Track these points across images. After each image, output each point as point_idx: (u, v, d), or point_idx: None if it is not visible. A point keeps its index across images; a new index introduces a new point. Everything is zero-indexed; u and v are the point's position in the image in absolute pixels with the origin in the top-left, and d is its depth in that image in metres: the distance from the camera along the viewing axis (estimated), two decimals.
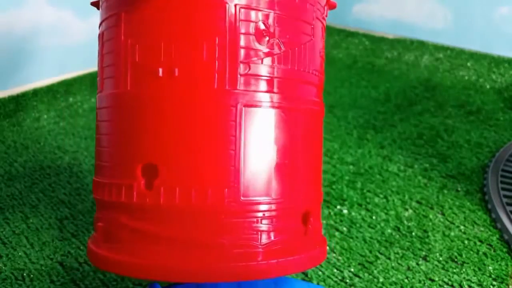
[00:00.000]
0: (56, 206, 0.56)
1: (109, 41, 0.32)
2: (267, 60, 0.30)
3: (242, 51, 0.29)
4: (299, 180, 0.32)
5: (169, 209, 0.29)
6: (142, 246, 0.29)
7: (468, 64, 1.01)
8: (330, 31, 1.27)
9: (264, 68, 0.30)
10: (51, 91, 0.89)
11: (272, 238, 0.30)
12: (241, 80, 0.29)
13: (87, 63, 0.99)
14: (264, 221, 0.30)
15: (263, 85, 0.30)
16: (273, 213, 0.30)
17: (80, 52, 0.97)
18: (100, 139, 0.33)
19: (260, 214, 0.29)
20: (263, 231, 0.29)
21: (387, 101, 0.85)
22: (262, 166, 0.30)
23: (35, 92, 0.88)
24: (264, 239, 0.29)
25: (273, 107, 0.30)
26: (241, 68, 0.29)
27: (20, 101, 0.85)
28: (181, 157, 0.29)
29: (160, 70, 0.29)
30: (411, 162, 0.64)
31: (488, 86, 0.90)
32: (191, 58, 0.29)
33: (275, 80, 0.30)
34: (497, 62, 1.00)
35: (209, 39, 0.28)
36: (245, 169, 0.29)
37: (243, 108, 0.29)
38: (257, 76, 0.29)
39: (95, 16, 1.01)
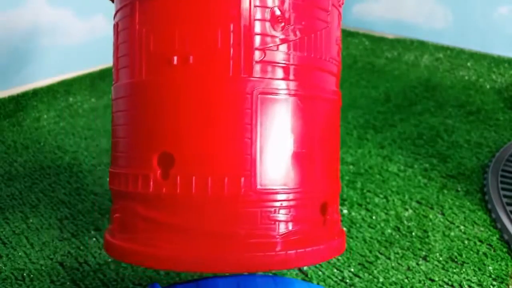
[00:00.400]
0: (56, 206, 0.56)
1: (123, 30, 0.32)
2: (283, 47, 0.29)
3: (258, 38, 0.28)
4: (317, 169, 0.31)
5: (185, 199, 0.28)
6: (158, 236, 0.29)
7: (468, 64, 1.01)
8: None
9: (279, 54, 0.29)
10: (51, 91, 0.89)
11: (290, 228, 0.29)
12: (256, 67, 0.28)
13: (87, 63, 0.99)
14: (281, 211, 0.29)
15: (279, 72, 0.29)
16: (291, 203, 0.29)
17: (80, 52, 0.97)
18: (116, 129, 0.33)
19: (277, 204, 0.29)
20: (280, 221, 0.29)
21: (387, 101, 0.85)
22: (279, 155, 0.29)
23: (35, 92, 0.88)
24: (282, 229, 0.29)
25: (289, 94, 0.29)
26: (257, 55, 0.28)
27: (20, 101, 0.85)
28: (197, 146, 0.28)
29: (175, 58, 0.29)
30: (411, 162, 0.64)
31: (488, 86, 0.90)
32: (206, 45, 0.28)
33: (291, 67, 0.30)
34: (497, 62, 1.00)
35: (223, 25, 0.28)
36: (261, 157, 0.29)
37: (259, 96, 0.28)
38: (272, 63, 0.29)
39: (95, 16, 1.01)
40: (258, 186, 0.28)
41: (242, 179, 0.28)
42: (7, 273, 0.45)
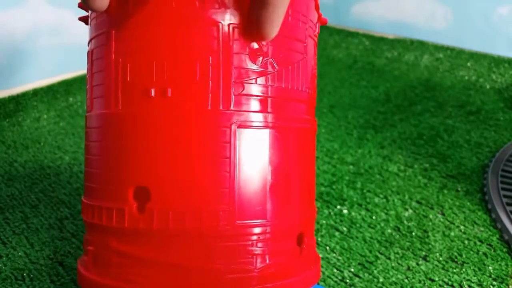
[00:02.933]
0: (56, 206, 0.56)
1: (99, 59, 0.31)
2: (261, 80, 0.29)
3: (236, 71, 0.28)
4: (294, 200, 0.31)
5: (162, 233, 0.28)
6: (132, 270, 0.29)
7: (468, 64, 1.01)
8: (330, 31, 1.27)
9: (258, 87, 0.29)
10: (51, 91, 0.89)
11: (267, 261, 0.29)
12: (235, 100, 0.28)
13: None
14: (259, 244, 0.29)
15: (257, 105, 0.29)
16: (268, 236, 0.29)
17: (80, 52, 0.97)
18: (89, 160, 0.32)
19: (255, 237, 0.29)
20: (258, 254, 0.29)
21: (387, 101, 0.85)
22: (257, 187, 0.29)
23: (35, 92, 0.88)
24: (259, 263, 0.29)
25: (267, 127, 0.29)
26: (235, 88, 0.28)
27: (20, 101, 0.85)
28: (174, 180, 0.28)
29: (152, 90, 0.28)
30: (411, 162, 0.64)
31: (488, 86, 0.90)
32: (184, 78, 0.28)
33: (269, 100, 0.29)
34: (497, 62, 1.00)
35: (202, 58, 0.28)
36: (239, 191, 0.28)
37: (237, 129, 0.28)
38: (251, 96, 0.29)
39: None
40: (236, 220, 0.28)
41: (220, 213, 0.28)
42: (7, 273, 0.45)
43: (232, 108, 0.28)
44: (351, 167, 0.64)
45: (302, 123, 0.32)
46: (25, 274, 0.45)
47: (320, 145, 0.70)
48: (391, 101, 0.85)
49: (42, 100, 0.86)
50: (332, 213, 0.54)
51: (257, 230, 0.29)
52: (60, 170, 0.64)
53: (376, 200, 0.56)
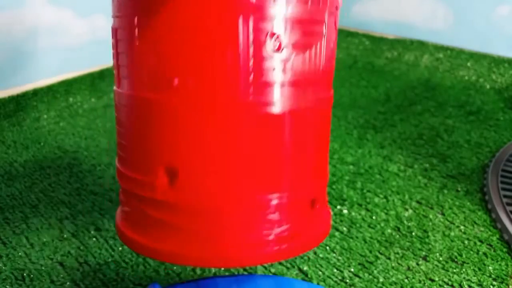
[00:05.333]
0: (56, 206, 0.56)
1: (122, 41, 0.32)
2: (282, 65, 0.30)
3: (257, 58, 0.29)
4: (309, 171, 0.33)
5: (191, 206, 0.30)
6: (164, 234, 0.31)
7: (468, 64, 1.01)
8: None
9: (278, 72, 0.30)
10: (51, 91, 0.89)
11: (284, 225, 0.32)
12: (257, 85, 0.29)
13: (87, 63, 0.99)
14: (277, 212, 0.31)
15: (278, 89, 0.30)
16: (286, 203, 0.31)
17: (80, 52, 0.97)
18: (120, 132, 0.34)
19: (274, 206, 0.31)
20: (276, 221, 0.31)
21: (387, 101, 0.85)
22: (277, 163, 0.31)
23: (35, 92, 0.88)
24: (276, 227, 0.31)
25: (288, 109, 0.30)
26: (257, 74, 0.29)
27: (20, 101, 0.85)
28: (201, 160, 0.30)
29: (176, 79, 0.29)
30: (411, 162, 0.64)
31: (488, 86, 0.90)
32: (207, 67, 0.29)
33: (290, 84, 0.30)
34: (497, 62, 1.00)
35: (224, 47, 0.28)
36: (261, 167, 0.30)
37: (259, 114, 0.29)
38: (273, 81, 0.29)
39: (96, 15, 1.01)
40: (257, 193, 0.30)
41: (244, 188, 0.30)
42: (7, 273, 0.45)
43: (253, 95, 0.29)
44: (351, 167, 0.64)
45: (321, 101, 0.33)
46: (25, 274, 0.45)
47: None
48: (391, 101, 0.85)
49: (42, 100, 0.86)
50: (332, 213, 0.54)
51: (275, 200, 0.31)
52: (60, 170, 0.64)
53: (376, 200, 0.56)
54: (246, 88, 0.29)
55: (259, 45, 0.29)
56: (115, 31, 0.33)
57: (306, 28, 0.31)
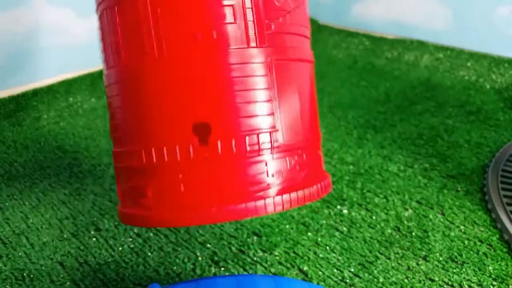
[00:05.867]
0: (56, 206, 0.56)
1: (128, 9, 0.33)
2: (284, 18, 0.34)
3: (265, 12, 0.33)
4: (315, 121, 0.37)
5: (225, 159, 0.32)
6: (196, 194, 0.33)
7: (468, 64, 1.01)
8: (330, 31, 1.27)
9: (282, 25, 0.34)
10: (51, 91, 0.89)
11: (305, 171, 0.35)
12: (268, 37, 0.33)
13: (87, 63, 0.99)
14: (299, 159, 0.35)
15: (284, 41, 0.34)
16: (303, 152, 0.35)
17: (80, 52, 0.97)
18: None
19: (298, 152, 0.34)
20: (301, 166, 0.35)
21: (387, 101, 0.85)
22: (293, 112, 0.34)
23: (35, 92, 0.88)
24: (301, 172, 0.35)
25: (292, 59, 0.34)
26: (267, 27, 0.33)
27: (20, 101, 0.85)
28: (230, 112, 0.32)
29: (198, 33, 0.32)
30: (411, 162, 0.64)
31: (488, 86, 0.90)
32: (225, 22, 0.32)
33: (292, 35, 0.35)
34: (497, 62, 1.00)
35: (237, 3, 0.32)
36: (281, 115, 0.33)
37: (274, 62, 0.33)
38: (281, 33, 0.34)
39: (95, 16, 1.01)
40: (283, 141, 0.33)
41: (271, 135, 0.33)
42: (7, 273, 0.45)
43: (267, 44, 0.33)
44: (351, 167, 0.64)
45: (310, 56, 0.38)
46: (25, 274, 0.45)
47: None
48: (391, 101, 0.85)
49: (42, 100, 0.86)
50: (332, 213, 0.54)
51: (297, 144, 0.34)
52: (60, 170, 0.64)
53: (376, 200, 0.56)
54: (262, 37, 0.33)
55: None
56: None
57: None
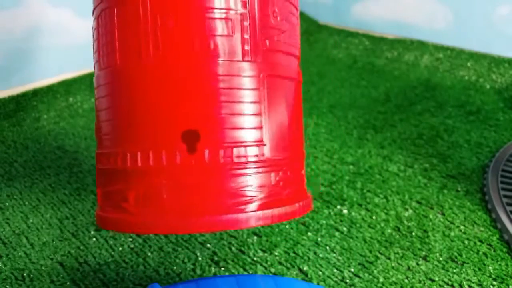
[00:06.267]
0: (56, 206, 0.56)
1: (128, 11, 0.34)
2: (280, 37, 0.35)
3: (263, 29, 0.34)
4: (300, 140, 0.38)
5: (211, 168, 0.32)
6: (184, 200, 0.33)
7: (468, 64, 1.01)
8: (330, 31, 1.27)
9: (277, 43, 0.35)
10: (51, 91, 0.89)
11: (288, 188, 0.35)
12: (263, 53, 0.34)
13: (87, 63, 0.99)
14: (283, 174, 0.35)
15: (277, 58, 0.35)
16: (287, 169, 0.35)
17: (80, 52, 0.97)
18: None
19: (282, 167, 0.35)
20: (285, 181, 0.35)
21: (387, 101, 0.85)
22: (280, 126, 0.35)
23: (35, 92, 0.88)
24: (285, 189, 0.35)
25: (284, 77, 0.35)
26: (262, 44, 0.34)
27: (20, 101, 0.85)
28: (222, 123, 0.32)
29: (197, 43, 0.32)
30: (411, 162, 0.64)
31: (488, 86, 0.90)
32: (225, 36, 0.33)
33: (283, 54, 0.36)
34: (497, 62, 1.00)
35: (235, 20, 0.33)
36: (269, 130, 0.34)
37: (265, 78, 0.34)
38: (274, 50, 0.35)
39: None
40: (269, 154, 0.34)
41: (261, 148, 0.33)
42: (7, 273, 0.45)
43: (260, 60, 0.34)
44: (351, 167, 0.64)
45: (299, 75, 0.39)
46: (25, 274, 0.45)
47: (320, 145, 0.70)
48: (391, 101, 0.85)
49: (42, 100, 0.86)
50: (332, 213, 0.54)
51: (282, 161, 0.35)
52: (60, 170, 0.64)
53: (376, 200, 0.56)
54: (257, 53, 0.33)
55: (266, 17, 0.34)
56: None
57: (288, 6, 0.37)
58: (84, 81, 0.95)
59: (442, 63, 1.02)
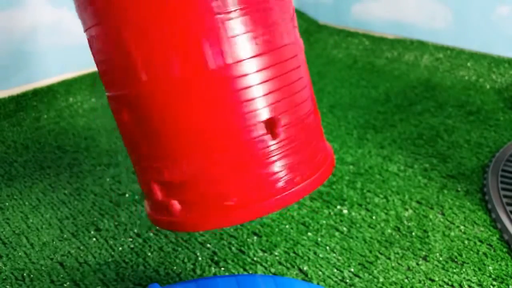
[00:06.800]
0: (56, 206, 0.56)
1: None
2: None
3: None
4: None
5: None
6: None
7: (468, 64, 1.01)
8: (330, 31, 1.27)
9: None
10: (51, 91, 0.89)
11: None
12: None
13: (87, 63, 0.99)
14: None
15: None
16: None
17: (80, 52, 0.97)
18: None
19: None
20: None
21: (387, 101, 0.85)
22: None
23: (35, 92, 0.88)
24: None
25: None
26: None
27: (20, 101, 0.85)
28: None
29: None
30: (411, 162, 0.64)
31: (488, 86, 0.90)
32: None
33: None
34: (497, 62, 1.00)
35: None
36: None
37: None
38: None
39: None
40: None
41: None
42: (7, 273, 0.45)
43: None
44: (351, 167, 0.64)
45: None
46: (25, 274, 0.45)
47: None
48: (391, 101, 0.85)
49: (42, 100, 0.86)
50: (332, 213, 0.54)
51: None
52: (60, 170, 0.64)
53: (376, 200, 0.56)
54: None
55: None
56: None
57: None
58: (84, 81, 0.95)
59: (442, 63, 1.02)
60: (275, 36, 0.34)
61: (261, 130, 0.33)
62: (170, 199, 0.36)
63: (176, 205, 0.35)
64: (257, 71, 0.33)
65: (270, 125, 0.34)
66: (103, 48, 0.33)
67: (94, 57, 0.35)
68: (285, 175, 0.35)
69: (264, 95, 0.33)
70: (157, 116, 0.33)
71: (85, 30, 0.35)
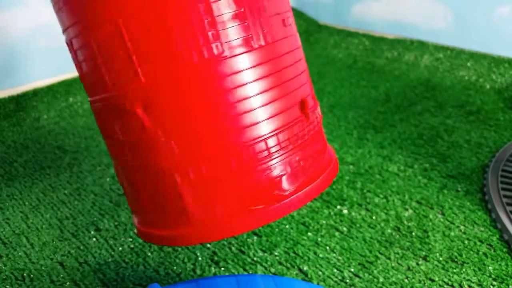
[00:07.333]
0: (56, 206, 0.56)
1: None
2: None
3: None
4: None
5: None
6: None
7: (468, 64, 1.01)
8: (330, 31, 1.27)
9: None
10: (51, 91, 0.89)
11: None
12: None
13: None
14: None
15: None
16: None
17: None
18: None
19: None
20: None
21: (387, 101, 0.85)
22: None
23: (35, 92, 0.88)
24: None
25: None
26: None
27: (20, 101, 0.85)
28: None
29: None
30: (411, 162, 0.64)
31: (488, 86, 0.90)
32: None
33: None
34: (497, 62, 1.00)
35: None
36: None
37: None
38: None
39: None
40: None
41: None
42: (7, 273, 0.45)
43: (294, 33, 0.36)
44: (351, 167, 0.64)
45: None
46: (25, 274, 0.45)
47: None
48: (391, 101, 0.85)
49: (42, 100, 0.86)
50: (332, 213, 0.54)
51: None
52: (60, 170, 0.64)
53: (376, 200, 0.56)
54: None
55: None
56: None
57: None
58: None
59: (442, 63, 1.02)
60: (271, 32, 0.34)
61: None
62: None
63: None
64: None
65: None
66: (101, 47, 0.33)
67: (79, 61, 0.35)
68: (289, 179, 0.34)
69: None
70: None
71: (64, 31, 0.35)
